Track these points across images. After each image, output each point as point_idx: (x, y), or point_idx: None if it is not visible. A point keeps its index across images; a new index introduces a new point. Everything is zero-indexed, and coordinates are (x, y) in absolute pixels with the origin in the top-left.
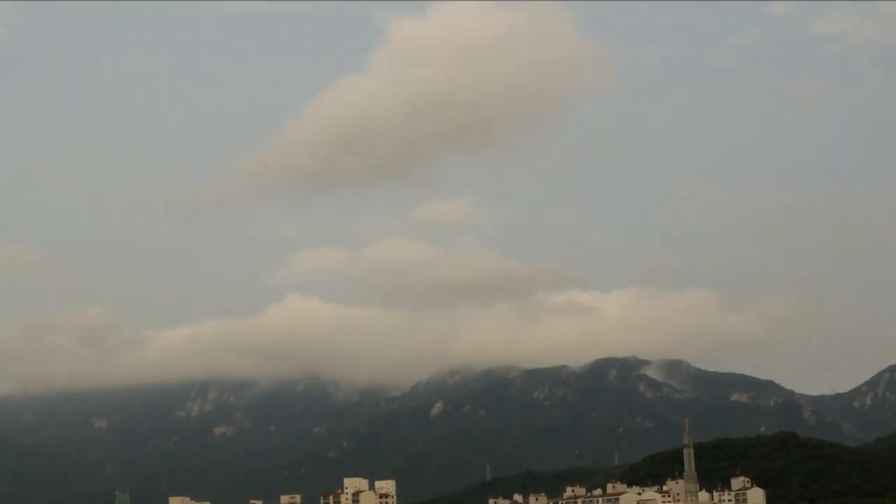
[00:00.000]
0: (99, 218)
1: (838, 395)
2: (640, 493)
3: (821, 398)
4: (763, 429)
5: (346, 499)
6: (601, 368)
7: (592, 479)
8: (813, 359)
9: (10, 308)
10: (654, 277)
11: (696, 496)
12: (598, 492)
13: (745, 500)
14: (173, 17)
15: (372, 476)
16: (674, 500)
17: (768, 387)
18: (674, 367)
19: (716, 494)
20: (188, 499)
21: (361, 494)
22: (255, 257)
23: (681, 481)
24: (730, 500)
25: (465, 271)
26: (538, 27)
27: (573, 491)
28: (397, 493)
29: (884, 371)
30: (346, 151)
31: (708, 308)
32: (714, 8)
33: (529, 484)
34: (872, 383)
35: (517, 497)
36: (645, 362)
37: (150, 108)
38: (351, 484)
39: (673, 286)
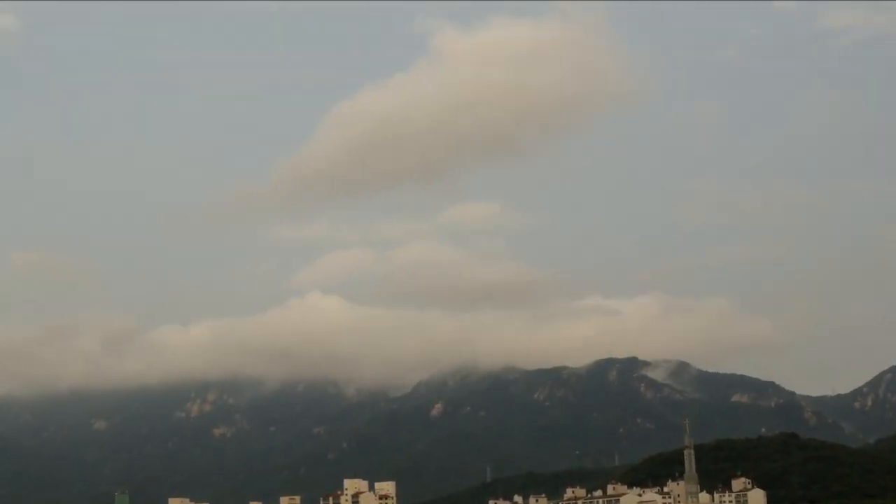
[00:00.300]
0: (115, 220)
1: (839, 396)
2: (640, 495)
3: (822, 399)
4: (764, 430)
5: (346, 500)
6: (601, 369)
7: (593, 480)
8: (814, 360)
9: (13, 309)
10: (664, 282)
11: (697, 497)
12: (598, 493)
13: (746, 501)
14: (203, 16)
15: (372, 477)
16: (674, 502)
17: (769, 388)
18: (674, 368)
19: (716, 496)
20: (188, 500)
21: (361, 496)
22: (275, 259)
23: (681, 482)
24: (730, 502)
25: (484, 275)
26: (570, 39)
27: (573, 492)
28: (397, 495)
29: (885, 372)
30: (376, 155)
31: (710, 310)
32: (718, 5)
33: (530, 485)
34: (873, 384)
35: (517, 498)
36: (645, 363)
37: (176, 109)
38: (351, 485)
39: (679, 290)
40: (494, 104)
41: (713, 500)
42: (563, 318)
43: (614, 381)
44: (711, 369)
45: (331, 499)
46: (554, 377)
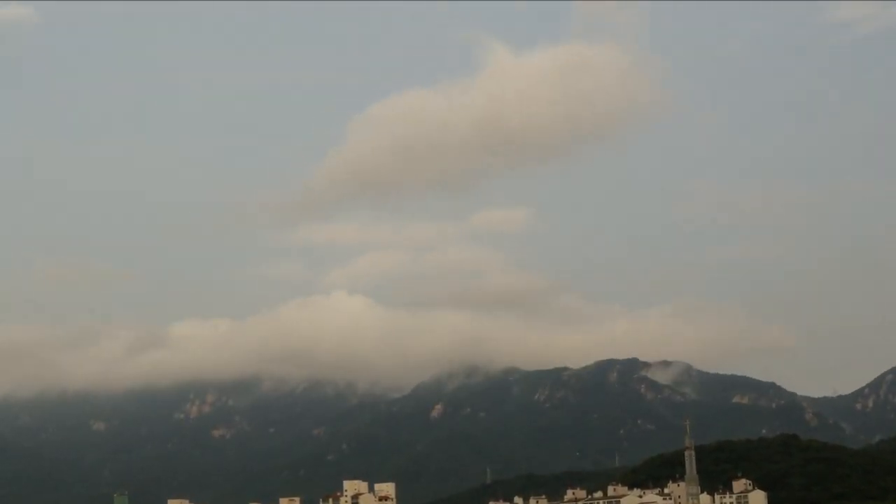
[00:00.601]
0: (115, 220)
1: (840, 397)
2: (641, 496)
3: (823, 400)
4: (764, 431)
5: (346, 501)
6: (602, 370)
7: (593, 481)
8: (815, 360)
9: (13, 310)
10: (663, 283)
11: (698, 499)
12: (598, 494)
13: (747, 502)
14: (203, 16)
15: (371, 478)
16: (675, 503)
17: (770, 389)
18: (675, 369)
19: (717, 497)
20: (187, 501)
21: (361, 497)
22: (279, 261)
23: (682, 484)
24: (731, 503)
25: (499, 279)
26: (604, 58)
27: (574, 493)
28: (397, 496)
29: (886, 373)
30: (407, 159)
31: (711, 311)
32: (718, 5)
33: (530, 486)
34: (874, 385)
35: (518, 500)
36: (646, 364)
37: (176, 109)
38: (350, 486)
39: (679, 291)
40: (528, 115)
41: (714, 502)
42: (565, 320)
43: (615, 383)
44: (712, 370)
45: (330, 500)
46: (554, 378)
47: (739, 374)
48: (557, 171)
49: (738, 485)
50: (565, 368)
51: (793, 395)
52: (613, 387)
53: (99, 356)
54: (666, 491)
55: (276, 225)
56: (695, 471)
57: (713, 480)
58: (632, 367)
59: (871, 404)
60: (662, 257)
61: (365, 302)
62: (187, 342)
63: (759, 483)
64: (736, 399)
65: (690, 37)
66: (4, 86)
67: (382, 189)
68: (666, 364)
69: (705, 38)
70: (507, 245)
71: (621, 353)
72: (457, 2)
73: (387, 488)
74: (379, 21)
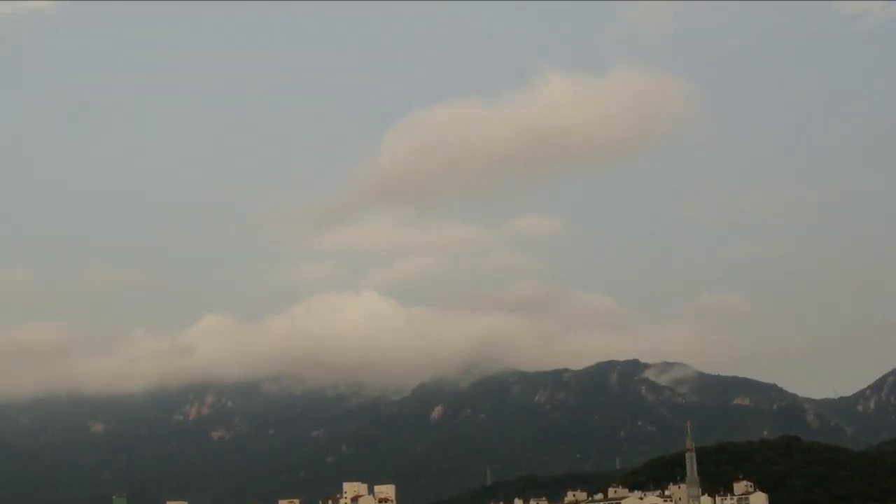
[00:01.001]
0: (115, 220)
1: (842, 399)
2: (641, 498)
3: (824, 402)
4: (766, 432)
5: (346, 503)
6: (602, 371)
7: (594, 482)
8: (816, 362)
9: (12, 310)
10: (663, 283)
11: (699, 500)
12: (599, 496)
13: None
14: (203, 16)
15: (371, 480)
16: None
17: (771, 390)
18: (675, 370)
19: (718, 499)
20: (186, 503)
21: (361, 499)
22: (284, 262)
23: (683, 485)
24: None
25: (511, 283)
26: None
27: (574, 495)
28: (397, 498)
29: (888, 374)
30: (442, 168)
31: (711, 311)
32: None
33: (530, 488)
34: (876, 387)
35: (518, 501)
36: (646, 365)
37: (176, 109)
38: (350, 488)
39: (679, 292)
40: (559, 128)
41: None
42: (566, 321)
43: (615, 384)
44: (713, 372)
45: (330, 502)
46: (555, 379)
47: (740, 375)
48: (564, 178)
49: (739, 486)
50: (566, 370)
51: (794, 396)
52: (614, 388)
53: (98, 357)
54: (667, 493)
55: (280, 227)
56: (696, 472)
57: (714, 482)
58: (632, 368)
59: (872, 406)
60: (662, 258)
61: (372, 305)
62: (186, 343)
63: (760, 485)
64: (737, 400)
65: (690, 37)
66: (4, 85)
67: (404, 195)
68: (667, 365)
69: (705, 38)
70: (520, 250)
71: (622, 355)
72: (485, 6)
73: (387, 490)
74: (415, 27)
